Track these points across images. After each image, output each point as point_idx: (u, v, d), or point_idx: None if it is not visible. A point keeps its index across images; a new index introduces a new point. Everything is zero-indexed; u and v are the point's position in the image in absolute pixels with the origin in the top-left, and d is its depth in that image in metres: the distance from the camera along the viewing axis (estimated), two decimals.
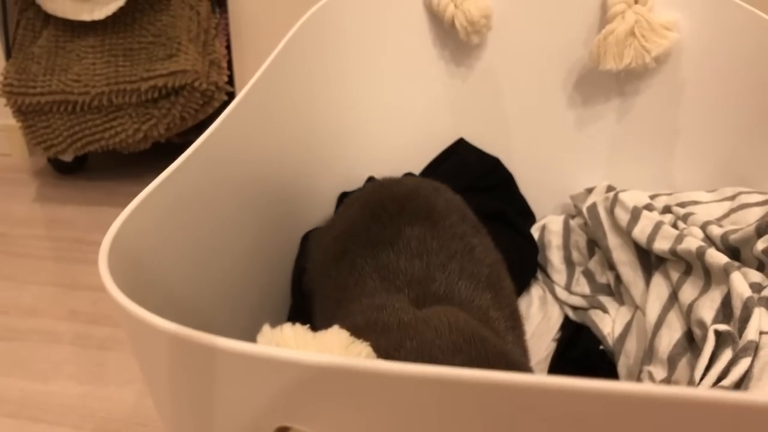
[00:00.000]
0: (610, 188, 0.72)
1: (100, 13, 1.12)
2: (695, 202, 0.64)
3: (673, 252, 0.57)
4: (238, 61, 1.24)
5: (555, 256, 0.73)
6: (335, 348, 0.27)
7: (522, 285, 0.73)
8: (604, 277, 0.68)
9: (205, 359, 0.26)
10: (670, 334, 0.55)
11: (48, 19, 1.18)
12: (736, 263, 0.53)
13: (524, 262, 0.73)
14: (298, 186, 0.69)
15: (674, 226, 0.61)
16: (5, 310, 0.94)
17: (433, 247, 0.50)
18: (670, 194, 0.67)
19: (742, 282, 0.50)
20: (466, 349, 0.36)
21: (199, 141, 0.46)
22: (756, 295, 0.49)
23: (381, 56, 0.79)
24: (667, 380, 0.53)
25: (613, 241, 0.66)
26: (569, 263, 0.72)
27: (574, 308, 0.69)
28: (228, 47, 1.22)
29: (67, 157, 1.28)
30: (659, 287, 0.59)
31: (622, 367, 0.60)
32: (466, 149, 0.82)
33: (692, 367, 0.49)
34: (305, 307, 0.63)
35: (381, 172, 0.76)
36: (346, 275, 0.50)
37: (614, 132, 0.77)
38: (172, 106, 1.10)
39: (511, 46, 0.77)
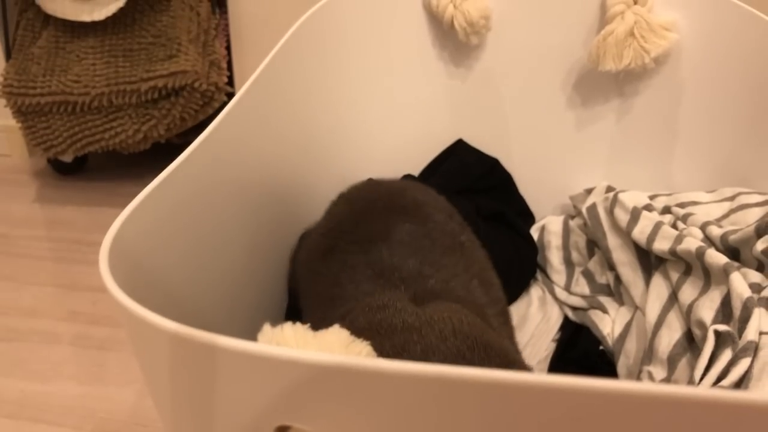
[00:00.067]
0: (609, 189, 0.72)
1: (99, 14, 1.12)
2: (695, 203, 0.64)
3: (672, 252, 0.57)
4: (237, 62, 1.24)
5: (554, 257, 0.73)
6: (335, 347, 0.27)
7: (521, 285, 0.73)
8: (604, 278, 0.68)
9: (205, 358, 0.26)
10: (670, 335, 0.55)
11: (48, 19, 1.18)
12: (736, 263, 0.53)
13: (524, 263, 0.73)
14: (297, 186, 0.69)
15: (674, 226, 0.61)
16: (5, 310, 0.94)
17: (425, 244, 0.50)
18: (669, 195, 0.67)
19: (741, 282, 0.50)
20: (469, 357, 0.36)
21: (198, 141, 0.47)
22: (756, 296, 0.49)
23: (380, 57, 0.79)
24: (667, 380, 0.53)
25: (612, 241, 0.66)
26: (569, 264, 0.72)
27: (574, 308, 0.69)
28: (228, 48, 1.22)
29: (67, 158, 1.28)
30: (659, 287, 0.59)
31: (621, 367, 0.60)
32: (465, 150, 0.82)
33: (692, 368, 0.49)
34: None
35: (380, 172, 0.76)
36: (337, 272, 0.50)
37: (614, 132, 0.77)
38: (172, 107, 1.10)
39: (511, 47, 0.77)
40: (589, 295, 0.68)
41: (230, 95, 1.15)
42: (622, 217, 0.64)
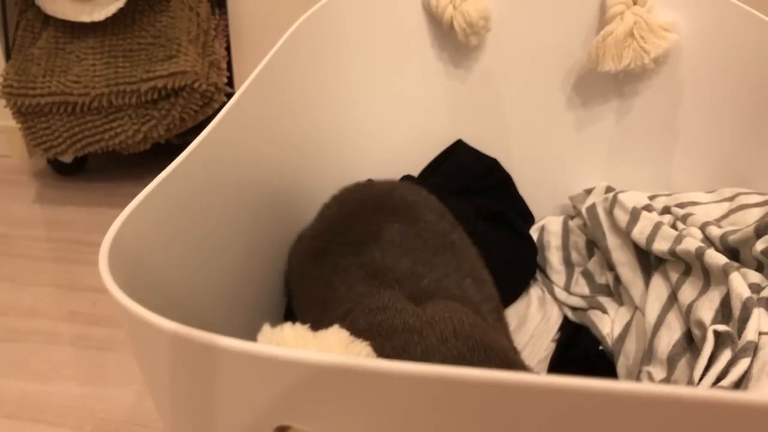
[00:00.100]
0: (609, 189, 0.72)
1: (99, 15, 1.12)
2: (694, 203, 0.64)
3: (672, 252, 0.57)
4: (237, 63, 1.25)
5: (554, 257, 0.73)
6: (335, 347, 0.27)
7: (521, 286, 0.73)
8: (604, 278, 0.68)
9: (205, 358, 0.26)
10: (670, 335, 0.55)
11: (48, 20, 1.18)
12: (736, 264, 0.53)
13: (523, 263, 0.73)
14: (296, 187, 0.69)
15: (673, 226, 0.61)
16: (5, 311, 0.94)
17: (417, 244, 0.50)
18: (669, 195, 0.67)
19: (741, 282, 0.50)
20: (470, 358, 0.36)
21: (197, 142, 0.47)
22: (755, 296, 0.49)
23: (379, 58, 0.79)
24: (667, 380, 0.53)
25: (612, 241, 0.66)
26: (568, 264, 0.72)
27: (574, 309, 0.69)
28: (228, 48, 1.22)
29: (67, 158, 1.28)
30: (658, 288, 0.59)
31: (621, 367, 0.60)
32: (465, 150, 0.82)
33: (691, 368, 0.49)
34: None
35: (379, 173, 0.76)
36: (328, 274, 0.50)
37: (613, 133, 0.77)
38: (171, 107, 1.11)
39: (510, 47, 0.77)
40: (589, 296, 0.68)
41: (230, 96, 1.15)
42: (622, 218, 0.64)
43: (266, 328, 0.27)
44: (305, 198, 0.71)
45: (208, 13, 1.18)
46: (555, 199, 0.81)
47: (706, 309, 0.52)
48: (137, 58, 1.12)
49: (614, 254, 0.65)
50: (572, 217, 0.75)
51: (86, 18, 1.13)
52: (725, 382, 0.45)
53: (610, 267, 0.66)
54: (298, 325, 0.27)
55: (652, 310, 0.58)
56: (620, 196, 0.65)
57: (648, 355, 0.56)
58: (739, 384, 0.45)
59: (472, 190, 0.79)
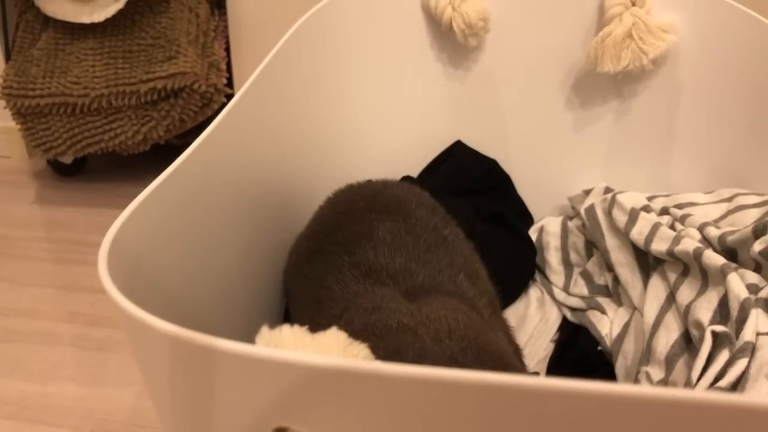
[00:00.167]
0: (607, 190, 0.72)
1: (99, 16, 1.12)
2: (693, 204, 0.64)
3: (670, 253, 0.58)
4: (237, 64, 1.25)
5: (553, 258, 0.73)
6: (333, 349, 0.27)
7: (520, 286, 0.73)
8: (602, 279, 0.68)
9: (204, 360, 0.26)
10: (668, 335, 0.55)
11: (47, 21, 1.18)
12: (734, 264, 0.53)
13: (522, 264, 0.73)
14: (296, 187, 0.69)
15: (672, 227, 0.61)
16: (5, 311, 0.94)
17: (409, 241, 0.50)
18: (667, 196, 0.67)
19: (739, 283, 0.50)
20: (461, 360, 0.36)
21: (196, 143, 0.47)
22: (753, 297, 0.49)
23: (378, 59, 0.79)
24: (665, 381, 0.53)
25: (611, 242, 0.66)
26: (567, 264, 0.73)
27: (573, 309, 0.69)
28: (227, 49, 1.22)
29: (67, 159, 1.28)
30: (657, 288, 0.59)
31: (619, 367, 0.60)
32: (464, 151, 0.82)
33: (689, 368, 0.49)
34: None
35: (378, 174, 0.76)
36: (322, 274, 0.50)
37: (612, 134, 0.77)
38: (171, 108, 1.11)
39: (509, 48, 0.77)
40: (588, 296, 0.68)
41: (229, 96, 1.15)
42: (621, 218, 0.64)
43: (264, 330, 0.27)
44: (305, 198, 0.71)
45: (208, 15, 1.18)
46: (554, 199, 0.81)
47: (704, 309, 0.52)
48: (137, 59, 1.12)
49: (613, 255, 0.65)
50: (571, 218, 0.76)
51: (86, 19, 1.13)
52: (723, 383, 0.45)
53: (609, 267, 0.67)
54: (296, 327, 0.28)
55: (651, 311, 0.58)
56: (619, 197, 0.65)
57: (646, 355, 0.56)
58: (737, 384, 0.45)
59: (471, 191, 0.79)
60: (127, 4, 1.12)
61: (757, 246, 0.52)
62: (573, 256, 0.73)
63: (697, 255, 0.54)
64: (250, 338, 0.29)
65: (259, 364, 0.25)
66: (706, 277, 0.54)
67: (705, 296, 0.53)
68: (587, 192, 0.74)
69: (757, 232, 0.52)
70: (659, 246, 0.59)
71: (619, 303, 0.65)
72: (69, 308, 0.95)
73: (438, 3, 0.74)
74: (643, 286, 0.62)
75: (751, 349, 0.46)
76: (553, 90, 0.78)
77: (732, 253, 0.55)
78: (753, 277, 0.52)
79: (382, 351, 0.30)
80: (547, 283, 0.73)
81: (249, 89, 0.56)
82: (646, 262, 0.63)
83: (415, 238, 0.51)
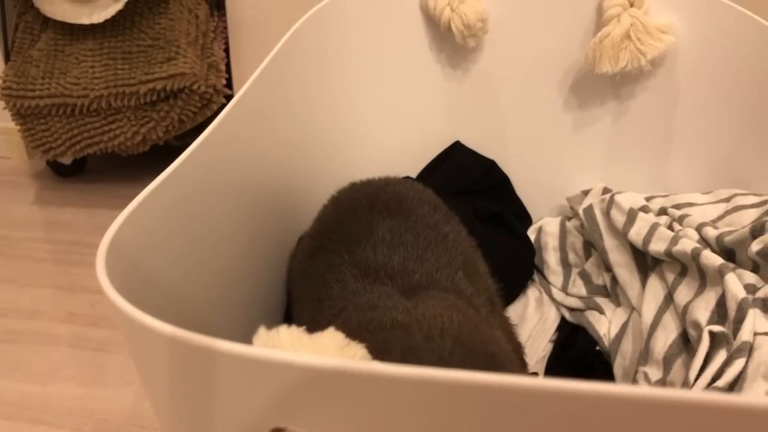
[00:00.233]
0: (606, 190, 0.72)
1: (99, 17, 1.12)
2: (691, 204, 0.64)
3: (668, 253, 0.58)
4: (236, 64, 1.25)
5: (551, 258, 0.73)
6: (330, 350, 0.27)
7: (519, 286, 0.73)
8: (601, 279, 0.68)
9: (203, 362, 0.27)
10: (666, 335, 0.55)
11: (47, 22, 1.18)
12: (731, 264, 0.53)
13: (521, 264, 0.73)
14: (295, 188, 0.70)
15: (670, 227, 0.61)
16: (4, 312, 0.94)
17: (408, 240, 0.50)
18: (665, 196, 0.67)
19: (736, 283, 0.50)
20: (449, 360, 0.36)
21: (196, 144, 0.47)
22: (750, 297, 0.49)
23: (377, 60, 0.79)
24: (663, 381, 0.53)
25: (609, 242, 0.66)
26: (566, 265, 0.73)
27: (571, 309, 0.69)
28: (226, 50, 1.22)
29: (66, 160, 1.28)
30: (655, 288, 0.60)
31: (618, 368, 0.60)
32: (463, 152, 0.82)
33: (687, 368, 0.49)
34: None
35: (378, 174, 0.76)
36: (323, 272, 0.50)
37: (610, 134, 0.78)
38: (170, 109, 1.11)
39: (507, 49, 0.77)
40: (586, 296, 0.68)
41: (229, 97, 1.15)
42: (619, 219, 0.64)
43: (262, 331, 0.28)
44: (304, 199, 0.71)
45: (207, 15, 1.18)
46: (552, 200, 0.81)
47: (702, 310, 0.52)
48: (136, 60, 1.12)
49: (611, 255, 0.65)
50: (569, 218, 0.76)
51: (85, 20, 1.13)
52: (720, 383, 0.45)
53: (607, 268, 0.67)
54: (293, 328, 0.28)
55: (649, 311, 0.58)
56: (617, 197, 0.66)
57: (644, 355, 0.56)
58: (734, 384, 0.45)
59: (470, 192, 0.79)
60: (126, 5, 1.12)
61: (755, 246, 0.52)
62: (571, 257, 0.73)
63: (695, 255, 0.55)
64: (250, 339, 0.29)
65: (256, 365, 0.25)
66: (704, 278, 0.55)
67: (703, 296, 0.53)
68: (586, 192, 0.74)
69: (755, 232, 0.52)
70: (657, 246, 0.59)
71: (617, 303, 0.65)
72: (68, 309, 0.95)
73: (436, 4, 0.74)
74: (642, 287, 0.62)
75: (748, 349, 0.46)
76: (552, 91, 0.78)
77: (730, 253, 0.55)
78: (751, 277, 0.52)
79: (370, 348, 0.30)
80: (546, 284, 0.73)
81: (248, 90, 0.56)
82: (645, 262, 0.63)
83: (414, 237, 0.51)
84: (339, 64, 0.77)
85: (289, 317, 0.67)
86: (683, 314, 0.54)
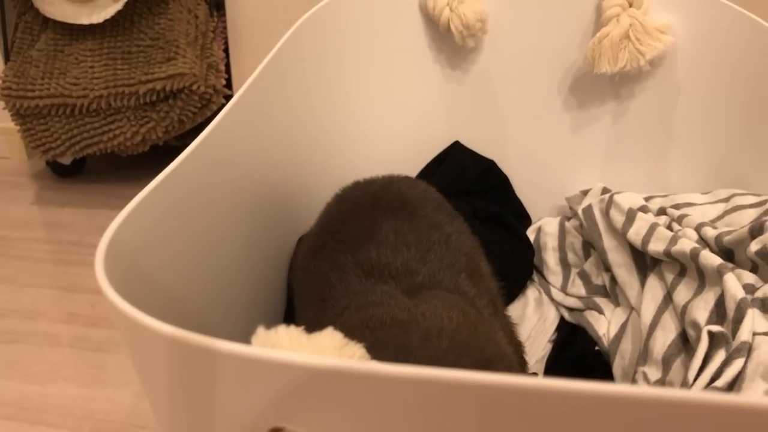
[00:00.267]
0: (605, 190, 0.72)
1: (98, 17, 1.12)
2: (690, 204, 0.64)
3: (667, 253, 0.58)
4: (236, 65, 1.25)
5: (551, 258, 0.73)
6: (329, 350, 0.27)
7: (518, 287, 0.73)
8: (600, 279, 0.68)
9: (203, 362, 0.27)
10: (665, 335, 0.55)
11: (46, 22, 1.18)
12: (730, 264, 0.53)
13: (520, 264, 0.73)
14: (294, 188, 0.70)
15: (669, 227, 0.61)
16: (4, 312, 0.94)
17: (411, 240, 0.50)
18: (665, 196, 0.67)
19: (735, 283, 0.50)
20: (442, 360, 0.36)
21: (195, 144, 0.47)
22: (749, 297, 0.49)
23: (376, 60, 0.79)
24: (662, 381, 0.53)
25: (608, 242, 0.66)
26: (565, 265, 0.73)
27: (570, 309, 0.69)
28: (226, 50, 1.22)
29: (66, 160, 1.28)
30: (654, 288, 0.60)
31: (617, 367, 0.60)
32: (462, 152, 0.82)
33: (686, 368, 0.49)
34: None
35: (376, 174, 0.77)
36: (327, 272, 0.50)
37: (609, 134, 0.78)
38: (170, 109, 1.11)
39: (506, 49, 0.77)
40: (585, 296, 0.68)
41: (228, 98, 1.15)
42: (618, 219, 0.64)
43: (260, 331, 0.28)
44: (304, 198, 0.71)
45: (207, 16, 1.18)
46: (552, 200, 0.81)
47: (701, 309, 0.52)
48: (136, 60, 1.12)
49: (610, 255, 0.65)
50: (569, 219, 0.76)
51: (85, 20, 1.13)
52: (719, 383, 0.45)
53: (607, 268, 0.67)
54: (292, 328, 0.28)
55: (648, 311, 0.58)
56: (616, 198, 0.66)
57: (643, 355, 0.56)
58: (733, 384, 0.45)
59: (469, 192, 0.79)
60: (126, 5, 1.12)
61: (754, 246, 0.52)
62: (571, 257, 0.73)
63: (694, 255, 0.55)
64: (249, 339, 0.30)
65: (255, 365, 0.25)
66: (703, 278, 0.55)
67: (702, 296, 0.53)
68: (585, 192, 0.74)
69: (754, 232, 0.53)
70: (656, 246, 0.59)
71: (616, 303, 0.65)
72: (68, 309, 0.95)
73: (436, 4, 0.74)
74: (641, 287, 0.62)
75: (747, 349, 0.46)
76: (551, 91, 0.78)
77: (729, 253, 0.55)
78: (749, 277, 0.52)
79: (369, 345, 0.30)
80: (545, 284, 0.73)
81: (248, 90, 0.56)
82: (644, 262, 0.63)
83: (417, 237, 0.51)
84: (338, 64, 0.77)
85: (289, 317, 0.67)
86: (682, 314, 0.54)
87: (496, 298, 0.55)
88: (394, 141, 0.83)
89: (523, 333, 0.68)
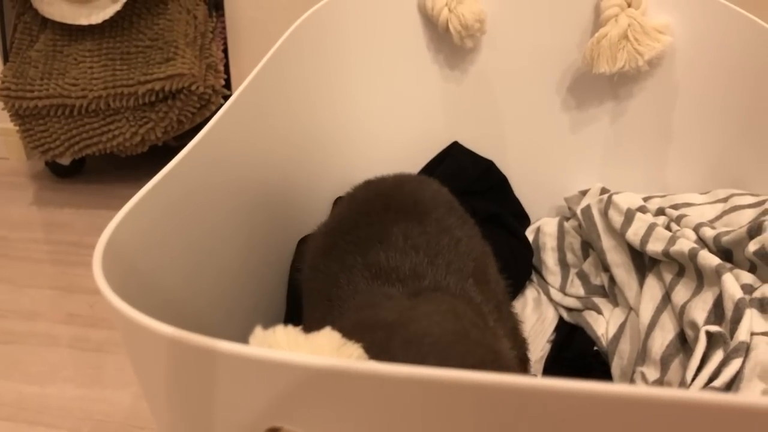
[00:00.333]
0: (604, 190, 0.72)
1: (97, 18, 1.12)
2: (688, 204, 0.64)
3: (666, 254, 0.58)
4: (235, 65, 1.25)
5: (549, 258, 0.73)
6: (326, 350, 0.28)
7: (517, 287, 0.73)
8: (598, 279, 0.68)
9: (202, 362, 0.27)
10: (663, 335, 0.55)
11: (45, 23, 1.18)
12: (728, 265, 0.53)
13: (519, 264, 0.73)
14: (293, 189, 0.70)
15: (667, 228, 0.61)
16: (3, 313, 0.94)
17: (421, 244, 0.50)
18: (663, 196, 0.67)
19: (733, 283, 0.50)
20: (419, 363, 0.35)
21: (192, 144, 0.47)
22: (747, 297, 0.50)
23: (375, 60, 0.79)
24: (660, 381, 0.53)
25: (606, 242, 0.66)
26: (564, 265, 0.73)
27: (569, 309, 0.69)
28: (225, 51, 1.22)
29: (65, 161, 1.28)
30: (652, 289, 0.60)
31: (615, 368, 0.60)
32: (461, 152, 0.82)
33: (685, 368, 0.49)
34: (300, 309, 0.63)
35: (376, 175, 0.77)
36: (336, 272, 0.50)
37: (608, 134, 0.78)
38: (169, 110, 1.11)
39: (505, 49, 0.77)
40: (584, 296, 0.68)
41: (227, 98, 1.15)
42: (616, 219, 0.64)
43: (258, 331, 0.28)
44: (303, 198, 0.71)
45: (206, 16, 1.18)
46: (550, 200, 0.81)
47: (700, 310, 0.52)
48: (135, 60, 1.12)
49: (609, 255, 0.65)
50: (567, 219, 0.76)
51: (84, 21, 1.13)
52: (717, 383, 0.45)
53: (605, 268, 0.67)
54: (290, 328, 0.28)
55: (646, 311, 0.58)
56: (615, 198, 0.66)
57: (642, 355, 0.56)
58: (731, 384, 0.45)
59: (468, 192, 0.79)
60: (124, 6, 1.12)
61: (752, 246, 0.52)
62: (569, 257, 0.73)
63: (693, 255, 0.55)
64: (247, 340, 0.30)
65: (253, 365, 0.25)
66: (702, 278, 0.55)
67: (700, 296, 0.53)
68: (583, 193, 0.75)
69: (752, 232, 0.53)
70: (655, 246, 0.59)
71: (615, 303, 0.65)
72: (67, 310, 0.95)
73: (434, 4, 0.75)
74: (639, 287, 0.62)
75: (745, 349, 0.46)
76: (550, 91, 0.78)
77: (727, 253, 0.55)
78: (748, 278, 0.52)
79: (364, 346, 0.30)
80: (544, 284, 0.73)
81: (246, 89, 0.56)
82: (642, 262, 0.63)
83: (427, 241, 0.51)
84: (337, 64, 0.77)
85: (289, 319, 0.67)
86: (681, 314, 0.54)
87: (502, 304, 0.55)
88: (393, 141, 0.83)
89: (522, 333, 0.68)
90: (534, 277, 0.75)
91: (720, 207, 0.62)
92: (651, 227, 0.61)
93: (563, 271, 0.72)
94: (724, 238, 0.55)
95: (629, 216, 0.63)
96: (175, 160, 0.44)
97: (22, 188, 1.30)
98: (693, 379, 0.47)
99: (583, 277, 0.70)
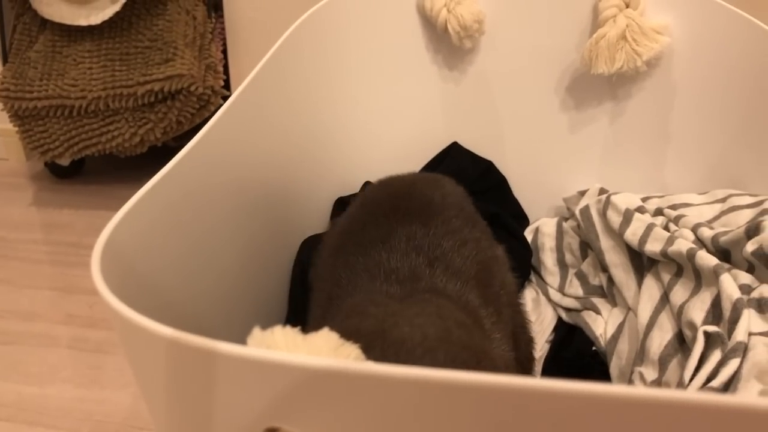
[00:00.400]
0: (602, 191, 0.72)
1: (96, 18, 1.13)
2: (687, 205, 0.64)
3: (664, 254, 0.58)
4: (234, 66, 1.25)
5: (548, 258, 0.73)
6: (324, 350, 0.28)
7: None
8: (597, 279, 0.68)
9: (201, 363, 0.27)
10: (662, 336, 0.55)
11: (44, 23, 1.18)
12: (726, 265, 0.53)
13: (518, 265, 0.73)
14: (293, 189, 0.70)
15: (666, 228, 0.61)
16: (2, 313, 0.94)
17: (423, 246, 0.50)
18: (661, 196, 0.67)
19: (731, 284, 0.50)
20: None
21: (191, 144, 0.47)
22: (745, 297, 0.50)
23: (374, 61, 0.80)
24: (658, 381, 0.53)
25: (605, 243, 0.66)
26: (562, 265, 0.73)
27: (567, 310, 0.69)
28: (224, 52, 1.22)
29: (64, 162, 1.28)
30: (651, 289, 0.60)
31: (614, 368, 0.60)
32: (460, 153, 0.82)
33: (683, 368, 0.49)
34: (303, 311, 0.63)
35: (375, 176, 0.76)
36: (339, 272, 0.50)
37: (607, 135, 0.78)
38: (168, 110, 1.11)
39: (504, 50, 0.77)
40: (583, 297, 0.68)
41: (226, 98, 1.15)
42: (615, 219, 0.64)
43: (256, 331, 0.28)
44: (303, 200, 0.71)
45: (205, 17, 1.18)
46: (549, 200, 0.81)
47: (698, 310, 0.52)
48: (134, 61, 1.12)
49: (607, 256, 0.65)
50: (566, 219, 0.76)
51: (83, 22, 1.13)
52: (715, 383, 0.45)
53: (604, 268, 0.67)
54: (288, 328, 0.28)
55: (645, 311, 0.58)
56: (613, 198, 0.66)
57: (640, 355, 0.56)
58: (729, 385, 0.45)
59: (467, 192, 0.79)
60: (124, 7, 1.12)
61: (750, 246, 0.52)
62: (568, 257, 0.73)
63: (691, 256, 0.55)
64: (246, 341, 0.30)
65: (252, 366, 0.25)
66: (700, 278, 0.55)
67: (698, 297, 0.53)
68: (582, 193, 0.75)
69: (750, 232, 0.53)
70: (653, 247, 0.59)
71: (613, 303, 0.65)
72: (66, 310, 0.95)
73: (433, 5, 0.75)
74: (638, 287, 0.62)
75: (743, 350, 0.46)
76: (548, 91, 0.78)
77: (725, 253, 0.55)
78: (746, 278, 0.52)
79: None
80: (543, 284, 0.73)
81: (245, 90, 0.56)
82: (641, 262, 0.63)
83: (429, 244, 0.51)
84: (336, 64, 0.77)
85: (290, 320, 0.67)
86: (679, 314, 0.54)
87: (505, 306, 0.54)
88: (393, 141, 0.83)
89: None
90: (533, 277, 0.75)
91: (718, 207, 0.62)
92: (649, 227, 0.61)
93: (562, 271, 0.72)
94: (723, 239, 0.55)
95: (628, 216, 0.63)
96: (174, 161, 0.44)
97: (21, 189, 1.30)
98: (691, 379, 0.47)
99: (581, 277, 0.70)
